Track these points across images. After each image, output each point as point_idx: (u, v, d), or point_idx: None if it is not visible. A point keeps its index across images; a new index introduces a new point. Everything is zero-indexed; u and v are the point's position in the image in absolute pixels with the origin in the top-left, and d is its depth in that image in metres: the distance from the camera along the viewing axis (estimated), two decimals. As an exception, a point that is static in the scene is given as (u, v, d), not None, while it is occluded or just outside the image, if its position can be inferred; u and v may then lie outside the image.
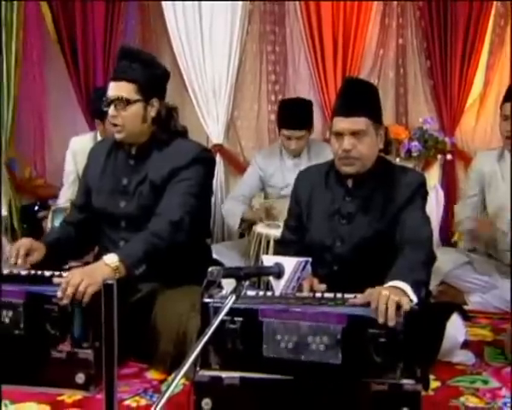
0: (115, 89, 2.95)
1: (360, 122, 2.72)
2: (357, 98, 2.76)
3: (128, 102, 2.93)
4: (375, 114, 2.79)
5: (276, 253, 3.14)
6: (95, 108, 4.48)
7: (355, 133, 2.71)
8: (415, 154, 4.81)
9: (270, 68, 5.26)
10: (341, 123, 2.73)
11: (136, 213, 2.97)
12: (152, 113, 3.00)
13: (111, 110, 2.95)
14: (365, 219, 2.79)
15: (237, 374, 2.37)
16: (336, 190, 2.87)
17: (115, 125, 2.97)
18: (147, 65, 3.00)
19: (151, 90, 2.98)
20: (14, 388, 2.63)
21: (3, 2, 5.04)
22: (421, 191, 2.80)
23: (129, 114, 2.94)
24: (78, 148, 4.58)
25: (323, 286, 2.60)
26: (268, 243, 3.78)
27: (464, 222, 4.01)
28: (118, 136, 2.99)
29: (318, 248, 2.82)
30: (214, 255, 3.38)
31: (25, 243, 2.96)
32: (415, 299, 2.29)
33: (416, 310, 2.27)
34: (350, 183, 2.83)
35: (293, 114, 4.32)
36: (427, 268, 2.58)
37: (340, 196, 2.86)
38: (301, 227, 2.95)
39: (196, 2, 5.00)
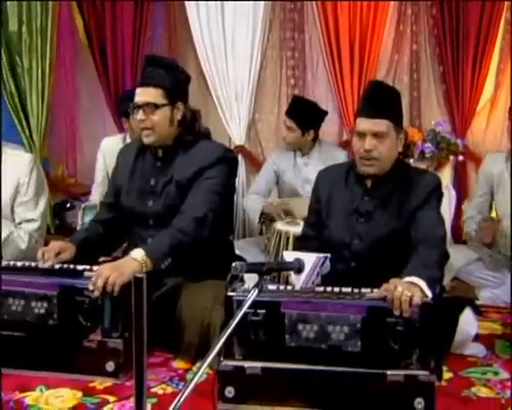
0: (143, 94, 2.96)
1: (382, 124, 2.71)
2: (381, 101, 2.76)
3: (156, 106, 2.93)
4: (396, 118, 2.78)
5: (296, 248, 3.13)
6: (122, 108, 4.51)
7: (377, 134, 2.71)
8: (428, 155, 4.78)
9: (289, 73, 5.26)
10: (364, 124, 2.73)
11: (163, 211, 2.97)
12: (178, 116, 3.00)
13: (140, 115, 2.95)
14: (382, 218, 2.78)
15: (259, 364, 2.38)
16: (355, 190, 2.87)
17: (144, 128, 2.97)
18: (171, 70, 3.01)
19: (176, 94, 2.98)
20: (48, 374, 2.66)
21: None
22: (437, 193, 2.80)
23: (157, 117, 2.94)
24: (108, 148, 4.61)
25: None
26: (287, 239, 3.78)
27: (467, 222, 3.99)
28: (146, 139, 3.00)
29: (337, 245, 2.81)
30: (236, 251, 3.37)
31: (54, 246, 2.95)
32: (429, 294, 2.29)
33: (430, 304, 2.27)
34: (369, 183, 2.83)
35: (294, 108, 4.46)
36: (441, 266, 2.58)
37: (358, 196, 2.85)
38: (321, 224, 2.94)
39: (220, 12, 5.01)
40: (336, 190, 2.92)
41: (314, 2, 5.06)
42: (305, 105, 4.54)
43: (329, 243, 2.84)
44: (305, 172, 4.43)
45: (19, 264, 2.88)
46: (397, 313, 2.24)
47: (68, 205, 5.37)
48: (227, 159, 3.04)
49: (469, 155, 4.96)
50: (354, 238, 2.81)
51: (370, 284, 2.42)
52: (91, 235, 3.13)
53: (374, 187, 2.83)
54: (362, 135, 2.73)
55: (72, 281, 2.70)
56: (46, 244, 3.15)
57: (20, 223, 3.50)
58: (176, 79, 3.00)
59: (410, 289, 2.25)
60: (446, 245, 2.70)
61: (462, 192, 4.89)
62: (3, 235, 3.39)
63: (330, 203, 2.91)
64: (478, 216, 3.87)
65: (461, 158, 4.93)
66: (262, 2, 4.95)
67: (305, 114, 4.41)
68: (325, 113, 4.61)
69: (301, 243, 3.04)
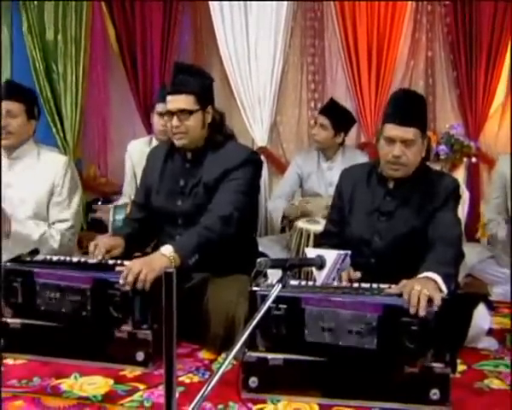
0: (176, 102, 2.95)
1: (411, 132, 2.69)
2: (410, 109, 2.74)
3: (190, 112, 2.94)
4: (423, 125, 2.76)
5: (317, 244, 3.12)
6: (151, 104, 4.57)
7: (405, 141, 2.69)
8: (442, 157, 4.76)
9: (310, 78, 5.24)
10: (394, 130, 2.70)
11: (192, 211, 2.98)
12: (208, 119, 3.01)
13: (174, 121, 2.94)
14: (403, 217, 2.77)
15: (281, 356, 2.39)
16: (377, 190, 2.86)
17: (178, 133, 2.97)
18: (199, 76, 3.02)
19: (206, 98, 2.99)
20: (82, 362, 2.68)
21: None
22: (455, 195, 2.80)
23: (191, 123, 2.95)
24: (134, 150, 4.61)
25: (358, 273, 2.59)
26: (308, 236, 3.76)
27: (489, 225, 3.98)
28: (179, 142, 3.00)
29: (357, 242, 2.81)
30: (259, 248, 3.36)
31: (105, 242, 2.98)
32: (445, 290, 2.28)
33: (446, 300, 2.26)
34: (391, 184, 2.82)
35: (330, 107, 4.47)
36: (456, 264, 2.57)
37: (380, 196, 2.84)
38: (342, 221, 2.93)
39: (244, 20, 5.00)
40: (359, 188, 2.91)
41: (334, 11, 5.04)
42: (341, 108, 4.52)
43: (350, 240, 2.84)
44: (329, 175, 4.39)
45: (54, 258, 2.91)
46: (414, 310, 2.24)
47: (100, 203, 5.39)
48: (252, 161, 3.04)
49: (482, 156, 4.93)
50: (375, 236, 2.81)
51: (389, 280, 2.41)
52: (127, 232, 3.16)
53: (396, 188, 2.81)
54: (391, 141, 2.71)
55: (105, 275, 2.71)
56: (79, 242, 3.18)
57: (53, 223, 3.52)
58: (204, 85, 3.01)
59: (427, 288, 2.24)
60: (462, 245, 2.69)
61: (474, 193, 4.84)
62: (38, 234, 3.42)
63: (353, 201, 2.91)
64: (498, 217, 3.86)
65: (474, 160, 4.90)
66: (284, 11, 4.94)
67: (339, 116, 4.39)
68: (355, 121, 4.63)
69: (323, 239, 3.04)
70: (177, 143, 3.01)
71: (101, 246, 2.92)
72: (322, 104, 5.02)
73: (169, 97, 2.99)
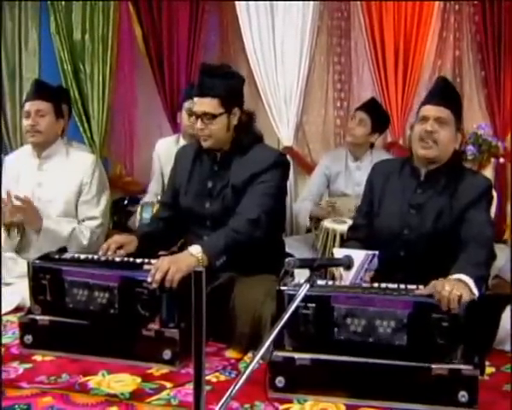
0: (201, 104, 2.95)
1: (444, 111, 2.75)
2: (445, 92, 2.81)
3: (214, 116, 2.93)
4: (456, 111, 2.81)
5: (347, 237, 3.13)
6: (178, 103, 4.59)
7: (439, 119, 2.74)
8: (470, 157, 4.71)
9: (336, 78, 5.23)
10: (428, 109, 2.78)
11: (220, 213, 2.99)
12: (234, 121, 3.00)
13: (199, 124, 2.95)
14: (433, 211, 2.77)
15: (308, 356, 2.38)
16: (409, 182, 2.86)
17: (202, 135, 2.98)
18: (226, 78, 2.99)
19: (232, 101, 2.98)
20: (110, 360, 2.70)
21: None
22: (488, 195, 2.79)
23: (215, 126, 2.95)
24: (162, 149, 4.66)
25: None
26: (334, 236, 3.75)
27: None
28: (205, 143, 3.00)
29: (387, 234, 2.81)
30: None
31: (116, 239, 3.01)
32: (476, 293, 2.27)
33: (475, 301, 2.24)
34: (422, 176, 2.81)
35: (371, 105, 4.46)
36: (489, 266, 2.56)
37: (412, 188, 2.84)
38: (372, 213, 2.93)
39: (270, 19, 5.00)
40: (390, 181, 2.92)
41: (360, 10, 5.01)
42: (381, 108, 4.54)
43: (380, 232, 2.84)
44: (357, 175, 4.37)
45: (82, 256, 2.93)
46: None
47: (126, 202, 5.42)
48: (281, 163, 3.04)
49: (510, 157, 4.87)
50: (404, 229, 2.80)
51: (418, 274, 2.40)
52: (153, 231, 3.18)
53: (427, 181, 2.81)
54: (425, 119, 2.76)
55: (132, 273, 2.73)
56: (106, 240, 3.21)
57: (83, 220, 3.57)
58: (231, 87, 2.99)
59: (458, 288, 2.22)
60: (494, 246, 2.67)
61: (502, 193, 4.80)
62: (68, 230, 3.46)
63: (383, 193, 2.91)
64: None
65: (501, 160, 4.85)
66: (310, 10, 4.92)
67: (379, 115, 4.40)
68: (389, 124, 4.62)
69: (351, 232, 3.03)
70: (203, 144, 3.02)
71: (113, 243, 2.95)
72: (349, 104, 5.03)
73: (195, 99, 3.00)
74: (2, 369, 2.61)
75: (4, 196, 3.35)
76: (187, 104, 4.18)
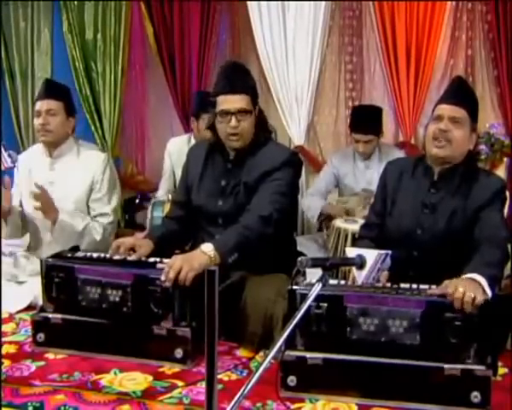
0: (235, 102, 2.89)
1: (459, 111, 2.72)
2: (461, 92, 2.79)
3: (249, 112, 2.93)
4: (472, 112, 2.78)
5: (359, 235, 3.11)
6: (193, 108, 4.56)
7: (453, 119, 2.71)
8: (482, 156, 4.69)
9: (347, 77, 5.23)
10: (443, 109, 2.75)
11: (233, 211, 2.96)
12: (255, 119, 3.00)
13: (233, 122, 2.89)
14: (447, 211, 2.75)
15: (320, 355, 2.37)
16: (422, 182, 2.84)
17: (234, 134, 2.93)
18: (250, 76, 3.02)
19: (257, 97, 3.01)
20: (122, 358, 2.70)
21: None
22: (502, 195, 2.76)
23: (248, 123, 2.93)
24: (174, 148, 4.68)
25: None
26: (346, 236, 3.75)
27: None
28: (236, 143, 2.96)
29: (400, 234, 2.79)
30: (296, 247, 3.36)
31: (128, 241, 2.98)
32: (489, 293, 2.25)
33: (488, 302, 2.23)
34: (436, 175, 2.80)
35: (363, 120, 4.33)
36: (502, 266, 2.55)
37: (425, 188, 2.82)
38: (385, 212, 2.92)
39: (281, 19, 5.01)
40: (403, 180, 2.90)
41: (372, 9, 5.01)
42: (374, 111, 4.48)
43: (393, 232, 2.83)
44: (368, 174, 4.38)
45: (95, 255, 2.92)
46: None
47: (137, 201, 5.44)
48: (293, 162, 3.02)
49: (523, 156, 4.85)
50: (417, 228, 2.78)
51: (431, 274, 2.39)
52: (167, 231, 3.16)
53: (440, 180, 2.79)
54: (439, 118, 2.74)
55: (145, 271, 2.73)
56: (117, 238, 3.21)
57: (95, 217, 3.58)
58: (254, 84, 3.02)
59: (471, 290, 2.21)
60: (507, 246, 2.66)
61: (515, 193, 4.77)
62: (83, 225, 3.48)
63: (396, 192, 2.89)
64: None
65: (514, 159, 4.83)
66: (322, 10, 4.93)
67: (373, 121, 4.37)
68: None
69: (364, 230, 3.03)
70: (234, 144, 2.97)
71: (125, 244, 2.93)
72: (360, 103, 5.01)
73: (226, 97, 2.91)
74: (16, 367, 2.66)
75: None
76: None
